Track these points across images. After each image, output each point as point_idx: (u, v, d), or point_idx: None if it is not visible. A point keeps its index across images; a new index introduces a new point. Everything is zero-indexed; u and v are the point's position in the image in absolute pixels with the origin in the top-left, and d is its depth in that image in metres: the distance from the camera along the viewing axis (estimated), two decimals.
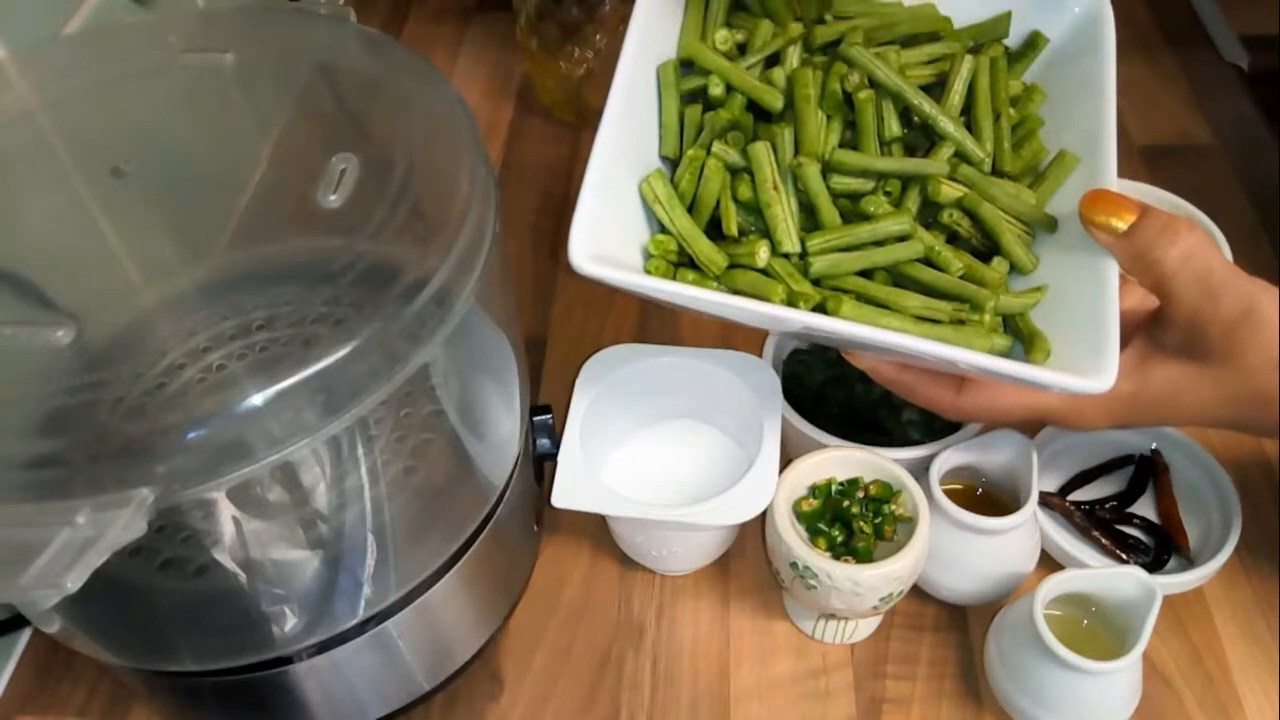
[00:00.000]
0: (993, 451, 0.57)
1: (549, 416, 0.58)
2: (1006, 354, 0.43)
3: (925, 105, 0.44)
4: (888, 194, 0.44)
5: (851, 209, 0.44)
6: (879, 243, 0.42)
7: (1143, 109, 0.91)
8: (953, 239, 0.45)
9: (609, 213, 0.43)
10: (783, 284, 0.42)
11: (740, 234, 0.45)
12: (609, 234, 0.43)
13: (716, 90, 0.46)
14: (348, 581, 0.47)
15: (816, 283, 0.43)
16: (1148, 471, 0.63)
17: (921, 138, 0.46)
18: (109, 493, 0.33)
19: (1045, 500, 0.60)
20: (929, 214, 0.45)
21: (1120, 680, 0.50)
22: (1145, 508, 0.62)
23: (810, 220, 0.44)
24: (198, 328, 0.48)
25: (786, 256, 0.43)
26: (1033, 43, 0.49)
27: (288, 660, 0.47)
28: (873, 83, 0.44)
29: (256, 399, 0.35)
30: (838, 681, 0.56)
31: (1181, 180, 0.72)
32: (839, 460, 0.55)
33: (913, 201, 0.44)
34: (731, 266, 0.44)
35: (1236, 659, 0.56)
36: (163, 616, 0.47)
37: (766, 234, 0.43)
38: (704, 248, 0.44)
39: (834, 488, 0.55)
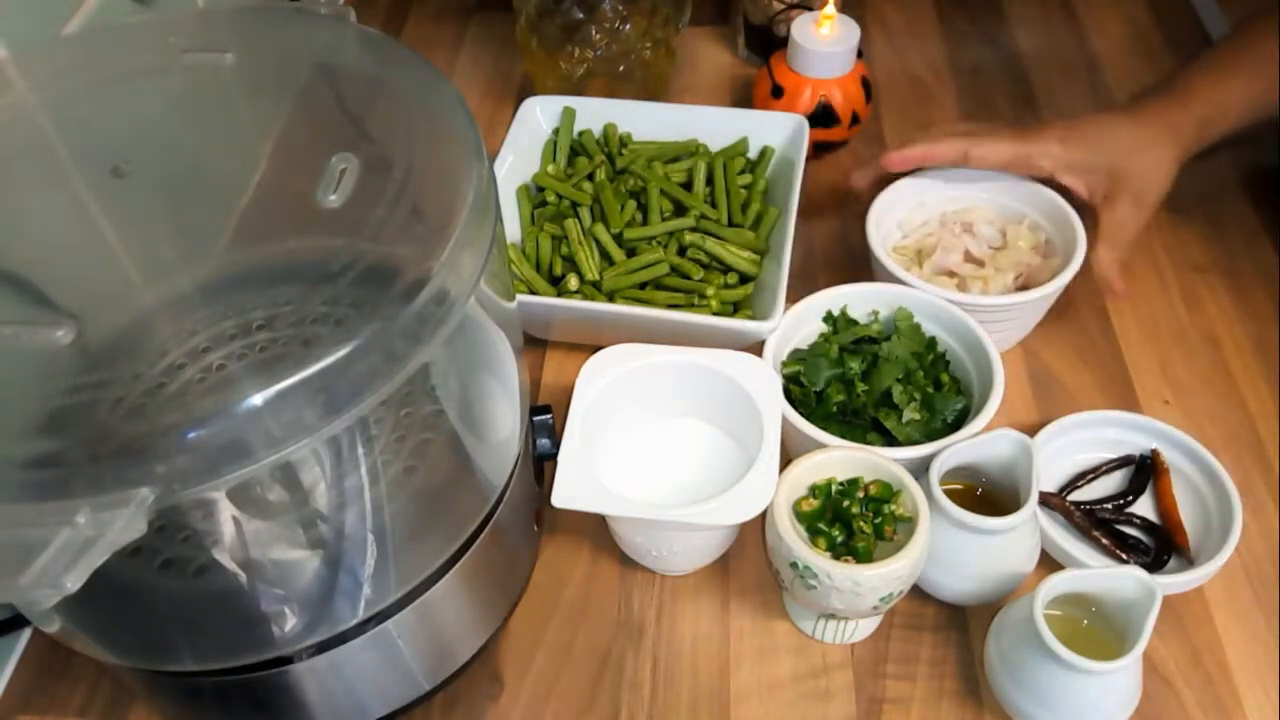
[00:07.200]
0: (993, 451, 0.57)
1: (549, 416, 0.58)
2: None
3: (676, 191, 0.76)
4: (660, 242, 0.73)
5: (634, 251, 0.74)
6: (646, 268, 0.72)
7: None
8: (707, 266, 0.73)
9: None
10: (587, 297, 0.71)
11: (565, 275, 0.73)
12: None
13: (551, 196, 0.77)
14: (348, 581, 0.47)
15: (611, 296, 0.71)
16: (1148, 471, 0.63)
17: (684, 207, 0.76)
18: (109, 493, 0.33)
19: (1045, 500, 0.60)
20: (685, 249, 0.73)
21: (1120, 680, 0.50)
22: (1145, 508, 0.62)
23: (609, 261, 0.73)
24: (198, 328, 0.48)
25: (595, 285, 0.71)
26: (764, 152, 0.80)
27: (288, 660, 0.47)
28: (645, 182, 0.76)
29: (256, 399, 0.35)
30: (838, 681, 0.56)
31: (1181, 180, 0.72)
32: (839, 460, 0.55)
33: (672, 244, 0.73)
34: (560, 294, 0.72)
35: (1236, 659, 0.56)
36: (163, 616, 0.46)
37: (578, 271, 0.72)
38: (540, 284, 0.73)
39: (834, 488, 0.55)
